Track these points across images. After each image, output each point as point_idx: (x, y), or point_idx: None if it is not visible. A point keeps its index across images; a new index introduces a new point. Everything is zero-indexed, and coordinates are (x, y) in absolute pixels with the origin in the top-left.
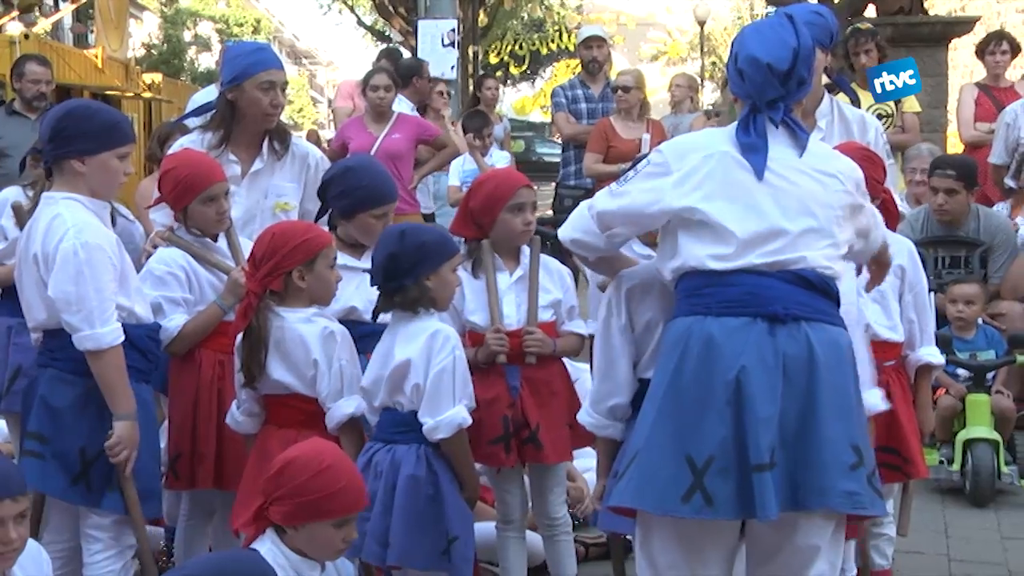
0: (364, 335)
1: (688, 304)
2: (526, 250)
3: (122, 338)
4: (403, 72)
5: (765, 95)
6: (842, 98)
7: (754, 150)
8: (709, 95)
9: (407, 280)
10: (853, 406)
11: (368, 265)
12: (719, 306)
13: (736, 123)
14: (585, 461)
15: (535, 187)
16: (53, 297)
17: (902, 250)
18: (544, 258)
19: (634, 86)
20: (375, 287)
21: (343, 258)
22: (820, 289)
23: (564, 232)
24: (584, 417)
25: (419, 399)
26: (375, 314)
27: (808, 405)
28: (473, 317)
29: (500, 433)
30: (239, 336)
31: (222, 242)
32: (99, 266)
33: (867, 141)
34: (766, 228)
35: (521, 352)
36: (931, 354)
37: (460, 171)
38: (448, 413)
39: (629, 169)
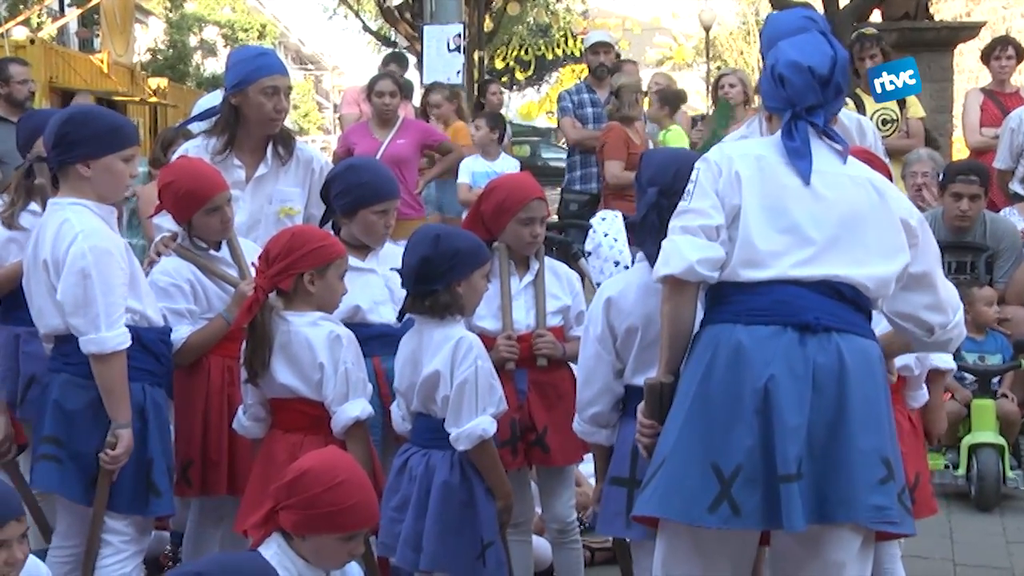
0: (370, 337)
1: (717, 311)
2: None
3: (127, 344)
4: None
5: (806, 100)
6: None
7: (800, 155)
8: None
9: (439, 285)
10: (884, 419)
11: (372, 266)
12: (749, 314)
13: (777, 136)
14: (591, 466)
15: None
16: (61, 300)
17: None
18: (554, 263)
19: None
20: (404, 289)
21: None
22: (851, 301)
23: (682, 260)
24: (575, 425)
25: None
26: (401, 315)
27: (838, 416)
28: (483, 322)
29: (507, 436)
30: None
31: (223, 250)
32: (107, 270)
33: (867, 144)
34: (800, 237)
35: (530, 356)
36: (942, 359)
37: (470, 171)
38: (469, 425)
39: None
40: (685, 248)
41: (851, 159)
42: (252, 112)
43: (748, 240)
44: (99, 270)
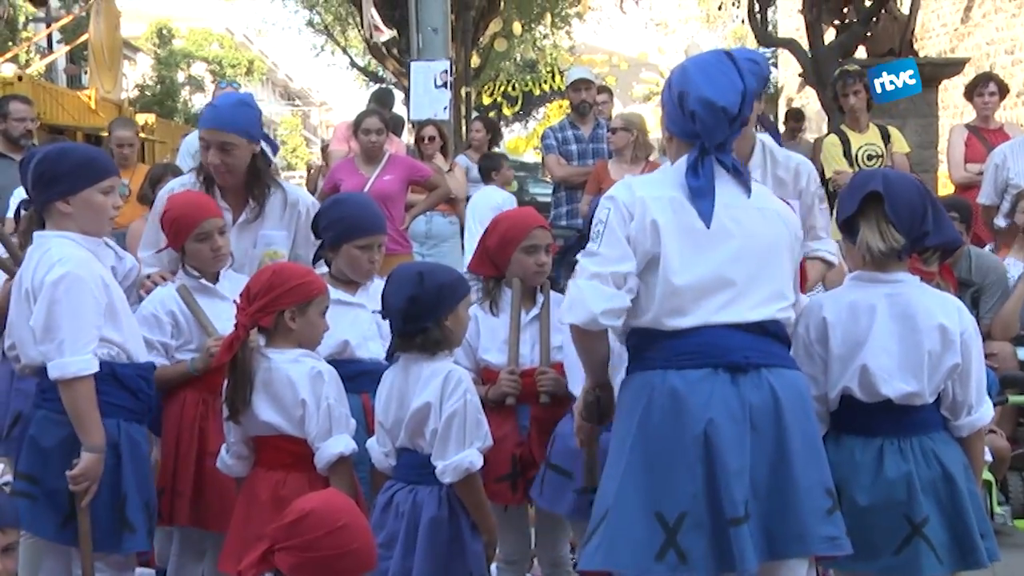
0: (360, 373)
1: (644, 358)
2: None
3: (91, 369)
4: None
5: (715, 138)
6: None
7: (703, 195)
8: None
9: (428, 322)
10: (823, 450)
11: (362, 301)
12: (678, 358)
13: (683, 167)
14: None
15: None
16: (32, 326)
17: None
18: (559, 297)
19: (622, 127)
20: (392, 330)
21: (336, 293)
22: (774, 335)
23: (585, 311)
24: None
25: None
26: (389, 355)
27: (779, 454)
28: (488, 355)
29: (507, 471)
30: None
31: (223, 283)
32: (78, 297)
33: (800, 187)
34: (720, 280)
35: (533, 392)
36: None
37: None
38: (455, 457)
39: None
40: (590, 297)
41: (756, 188)
42: None
43: (670, 289)
44: (68, 296)
